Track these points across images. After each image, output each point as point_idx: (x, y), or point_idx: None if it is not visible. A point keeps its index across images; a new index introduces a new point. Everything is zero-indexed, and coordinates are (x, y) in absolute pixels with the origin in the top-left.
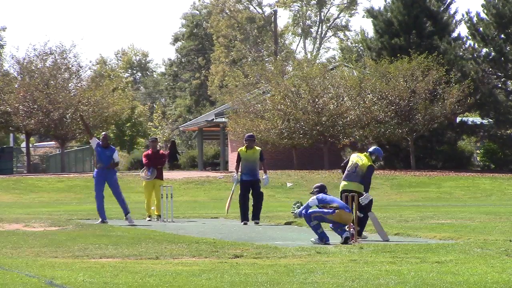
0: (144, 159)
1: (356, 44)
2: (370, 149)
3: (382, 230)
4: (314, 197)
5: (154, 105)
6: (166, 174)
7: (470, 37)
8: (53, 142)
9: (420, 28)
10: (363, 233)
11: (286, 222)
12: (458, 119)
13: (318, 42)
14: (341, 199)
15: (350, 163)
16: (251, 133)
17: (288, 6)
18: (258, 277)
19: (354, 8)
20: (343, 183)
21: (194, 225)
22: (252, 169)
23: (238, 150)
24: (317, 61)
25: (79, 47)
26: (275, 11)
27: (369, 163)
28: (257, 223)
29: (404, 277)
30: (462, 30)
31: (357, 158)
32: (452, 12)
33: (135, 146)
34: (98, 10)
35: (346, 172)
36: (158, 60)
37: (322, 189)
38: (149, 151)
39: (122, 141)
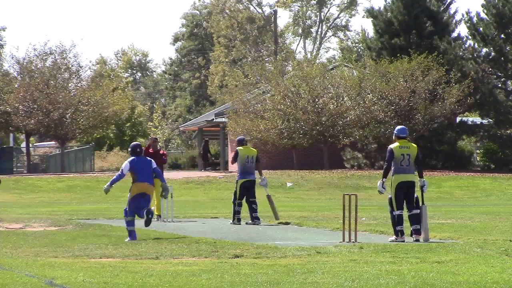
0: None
1: (356, 44)
2: (401, 133)
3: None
4: (127, 162)
5: (154, 105)
6: (168, 174)
7: (470, 37)
8: (53, 142)
9: (420, 28)
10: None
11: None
12: (458, 119)
13: (318, 42)
14: (399, 193)
15: (400, 158)
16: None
17: (288, 6)
18: (258, 277)
19: (354, 8)
20: (402, 176)
21: (194, 225)
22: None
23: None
24: (317, 61)
25: (79, 47)
26: (275, 11)
27: (415, 147)
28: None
29: (404, 277)
30: (462, 30)
31: (404, 150)
32: (452, 12)
33: None
34: (98, 10)
35: (399, 167)
36: (158, 60)
37: (134, 150)
38: (151, 149)
39: (122, 141)
